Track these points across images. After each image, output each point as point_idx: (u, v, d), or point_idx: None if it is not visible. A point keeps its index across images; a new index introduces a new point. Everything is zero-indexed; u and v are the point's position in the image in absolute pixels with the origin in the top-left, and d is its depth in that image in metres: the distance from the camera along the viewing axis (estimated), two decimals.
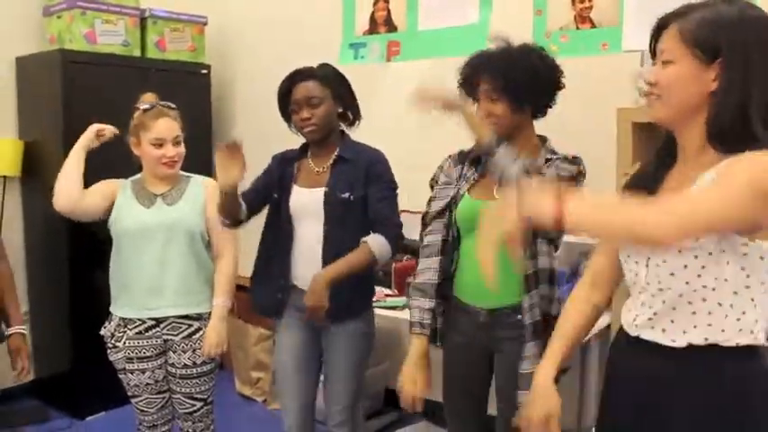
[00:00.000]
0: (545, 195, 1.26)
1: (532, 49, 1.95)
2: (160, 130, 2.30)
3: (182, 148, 2.36)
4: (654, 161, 1.47)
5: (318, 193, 2.28)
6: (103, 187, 2.42)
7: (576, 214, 1.24)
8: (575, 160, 1.93)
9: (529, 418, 1.55)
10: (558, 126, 2.08)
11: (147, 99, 2.35)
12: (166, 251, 2.34)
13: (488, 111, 1.92)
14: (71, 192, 2.34)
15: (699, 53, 1.29)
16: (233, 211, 2.23)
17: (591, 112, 2.82)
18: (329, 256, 2.24)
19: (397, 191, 2.33)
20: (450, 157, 2.13)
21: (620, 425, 1.48)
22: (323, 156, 2.34)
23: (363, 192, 2.25)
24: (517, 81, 1.87)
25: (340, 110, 2.32)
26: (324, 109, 2.26)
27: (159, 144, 2.31)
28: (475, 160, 2.06)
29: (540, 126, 2.05)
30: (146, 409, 2.44)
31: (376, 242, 2.20)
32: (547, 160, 1.94)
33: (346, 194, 2.25)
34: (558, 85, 1.96)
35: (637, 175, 1.51)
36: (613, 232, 1.31)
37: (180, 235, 2.35)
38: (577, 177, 1.90)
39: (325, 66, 2.35)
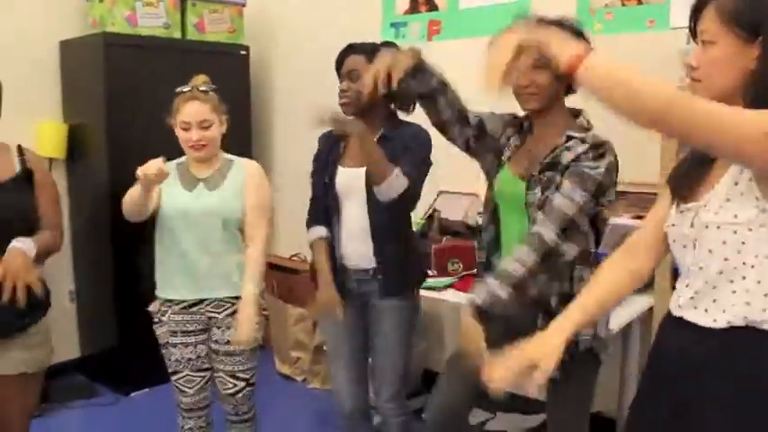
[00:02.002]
0: (572, 41, 1.26)
1: (570, 21, 1.93)
2: (186, 114, 2.31)
3: (209, 133, 2.34)
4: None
5: (361, 173, 2.28)
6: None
7: (598, 67, 1.22)
8: (601, 155, 1.85)
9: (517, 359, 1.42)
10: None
11: (194, 81, 2.37)
12: (206, 236, 2.36)
13: (531, 80, 1.91)
14: (138, 214, 2.33)
15: (739, 31, 1.25)
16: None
17: None
18: (378, 234, 2.27)
19: (429, 168, 2.30)
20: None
21: (656, 405, 1.46)
22: None
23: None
24: None
25: (383, 91, 2.28)
26: (362, 84, 2.22)
27: (186, 128, 2.32)
28: (518, 126, 2.05)
29: (582, 106, 2.02)
30: (185, 389, 2.45)
31: (398, 172, 2.16)
32: (568, 138, 1.90)
33: None
34: None
35: (682, 164, 1.46)
36: (643, 108, 1.19)
37: (218, 220, 2.36)
38: (604, 181, 1.84)
39: (387, 44, 2.31)
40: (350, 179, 2.30)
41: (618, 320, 2.44)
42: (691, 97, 1.20)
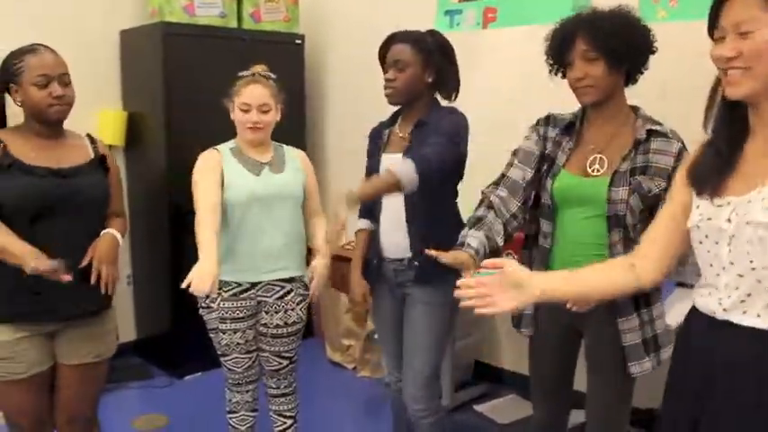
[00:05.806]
0: None
1: (626, 11, 1.88)
2: (248, 96, 2.37)
3: (267, 117, 2.40)
4: (725, 142, 1.38)
5: (398, 158, 2.23)
6: (212, 176, 2.37)
7: None
8: (677, 135, 1.86)
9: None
10: (665, 93, 1.98)
11: (255, 68, 2.43)
12: (275, 218, 2.42)
13: (585, 72, 1.86)
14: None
15: None
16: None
17: (699, 79, 2.66)
18: (413, 221, 2.25)
19: (459, 146, 2.19)
20: (539, 122, 2.08)
21: (699, 407, 1.41)
22: (409, 122, 2.32)
23: None
24: (616, 39, 1.82)
25: (430, 79, 2.25)
26: (409, 74, 2.22)
27: (246, 109, 2.38)
28: (568, 127, 2.00)
29: (647, 93, 1.96)
30: (233, 368, 2.53)
31: (403, 166, 1.97)
32: (649, 133, 1.87)
33: None
34: (651, 49, 1.88)
35: (703, 160, 1.43)
36: None
37: (288, 201, 2.44)
38: (680, 155, 1.83)
39: (430, 32, 2.30)
40: (388, 165, 2.22)
41: (675, 317, 2.37)
42: None
